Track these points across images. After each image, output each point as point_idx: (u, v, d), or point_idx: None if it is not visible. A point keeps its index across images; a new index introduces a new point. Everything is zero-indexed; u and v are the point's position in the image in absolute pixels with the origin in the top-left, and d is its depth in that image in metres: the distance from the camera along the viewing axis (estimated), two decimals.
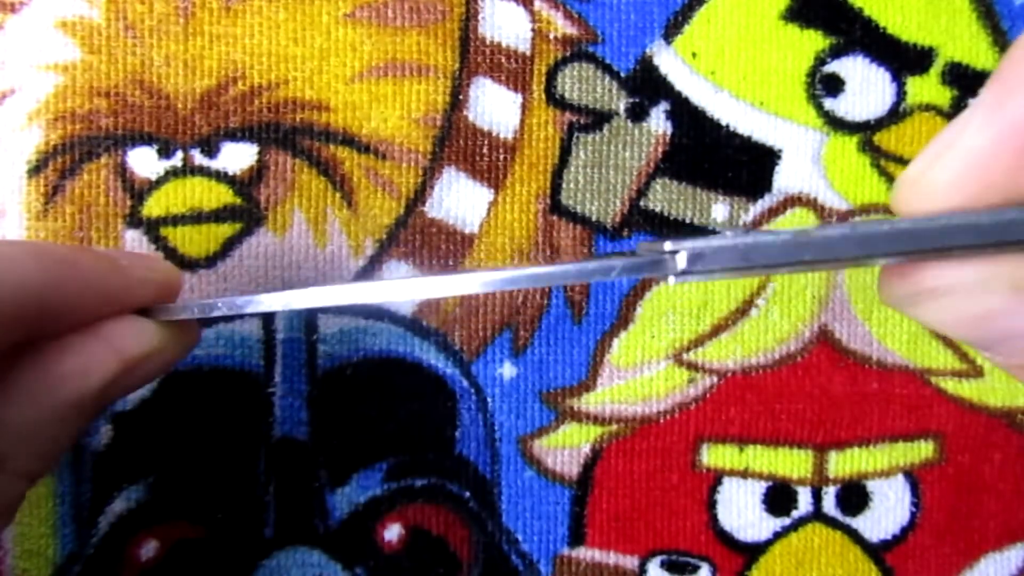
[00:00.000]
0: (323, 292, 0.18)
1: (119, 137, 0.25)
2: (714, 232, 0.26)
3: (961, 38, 0.26)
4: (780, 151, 0.26)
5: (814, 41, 0.26)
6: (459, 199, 0.26)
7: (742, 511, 0.27)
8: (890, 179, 0.26)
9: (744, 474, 0.27)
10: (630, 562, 0.27)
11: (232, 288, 0.25)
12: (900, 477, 0.27)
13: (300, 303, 0.18)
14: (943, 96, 0.26)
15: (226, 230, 0.25)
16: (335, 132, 0.25)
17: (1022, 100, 0.15)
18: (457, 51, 0.26)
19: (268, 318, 0.26)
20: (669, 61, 0.26)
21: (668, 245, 0.16)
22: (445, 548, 0.26)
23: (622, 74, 0.26)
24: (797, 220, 0.26)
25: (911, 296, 0.17)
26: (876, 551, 0.27)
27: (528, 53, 0.26)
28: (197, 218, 0.25)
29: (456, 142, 0.26)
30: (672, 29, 0.26)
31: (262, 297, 0.19)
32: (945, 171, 0.16)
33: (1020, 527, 0.27)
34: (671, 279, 0.16)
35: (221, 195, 0.25)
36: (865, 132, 0.26)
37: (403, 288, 0.19)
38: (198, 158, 0.25)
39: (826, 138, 0.26)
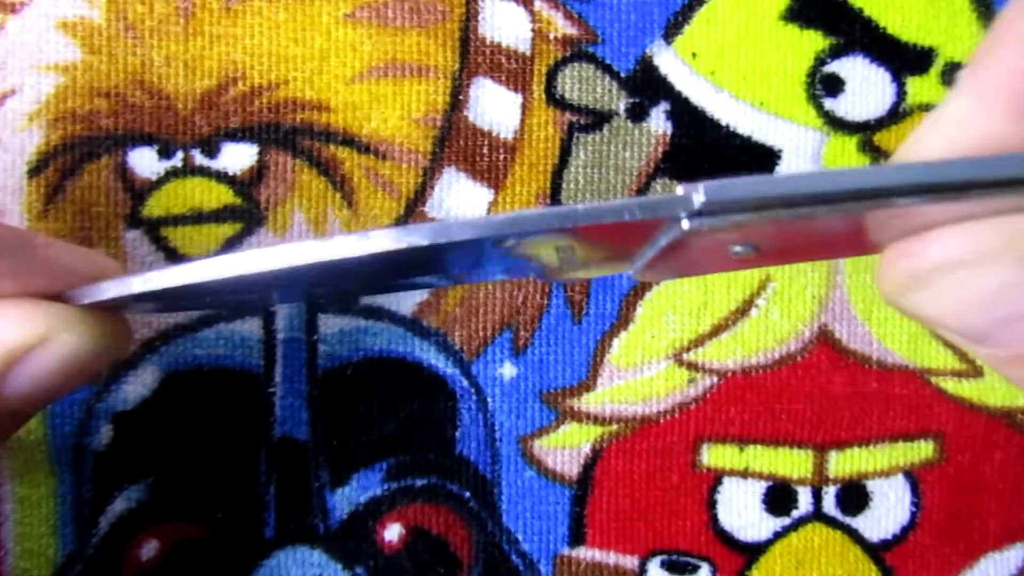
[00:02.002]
0: (265, 254, 0.16)
1: (119, 137, 0.25)
2: None
3: (961, 38, 0.26)
4: (780, 151, 0.26)
5: (814, 41, 0.26)
6: (459, 199, 0.26)
7: (742, 511, 0.27)
8: None
9: (744, 474, 0.27)
10: (630, 562, 0.27)
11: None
12: (900, 477, 0.27)
13: (245, 266, 0.16)
14: (943, 96, 0.26)
15: (226, 230, 0.25)
16: (335, 132, 0.25)
17: (1007, 56, 0.16)
18: (457, 51, 0.26)
19: (268, 318, 0.26)
20: (669, 61, 0.26)
21: (681, 189, 0.15)
22: (445, 548, 0.26)
23: (622, 74, 0.26)
24: None
25: (914, 279, 0.16)
26: (876, 551, 0.27)
27: (528, 53, 0.26)
28: (197, 218, 0.25)
29: (456, 142, 0.26)
30: (672, 29, 0.26)
31: (198, 265, 0.16)
32: (938, 135, 0.16)
33: (1020, 527, 0.27)
34: (694, 205, 0.15)
35: (221, 195, 0.25)
36: (865, 132, 0.26)
37: (381, 240, 0.16)
38: (198, 158, 0.25)
39: (826, 138, 0.26)
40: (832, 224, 0.17)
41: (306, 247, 0.16)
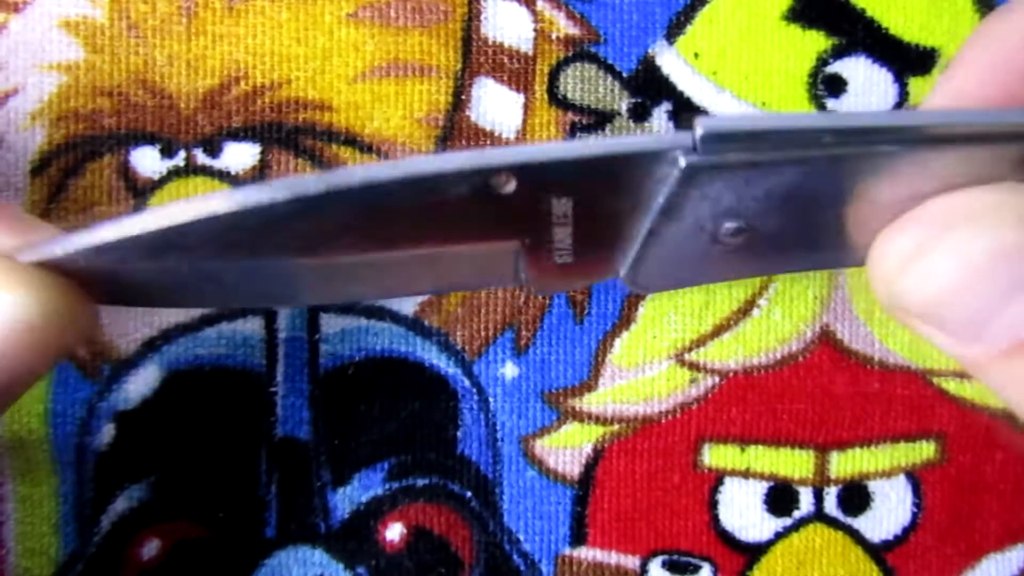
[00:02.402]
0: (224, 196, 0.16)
1: (122, 137, 0.25)
2: None
3: (963, 39, 0.26)
4: None
5: (816, 42, 0.26)
6: None
7: (744, 511, 0.27)
8: None
9: (746, 474, 0.27)
10: (631, 562, 0.27)
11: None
12: (902, 477, 0.27)
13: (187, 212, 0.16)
14: None
15: None
16: (337, 132, 0.25)
17: (981, 55, 0.17)
18: (459, 51, 0.26)
19: (270, 317, 0.26)
20: (671, 61, 0.26)
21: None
22: (447, 548, 0.26)
23: (624, 74, 0.26)
24: None
25: (903, 261, 0.15)
26: (877, 551, 0.27)
27: (530, 53, 0.26)
28: None
29: (458, 142, 0.26)
30: (674, 29, 0.26)
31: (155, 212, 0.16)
32: None
33: (1021, 527, 0.27)
34: (694, 138, 0.16)
35: None
36: None
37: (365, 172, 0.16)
38: (201, 158, 0.25)
39: None
40: (824, 198, 0.17)
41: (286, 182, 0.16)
